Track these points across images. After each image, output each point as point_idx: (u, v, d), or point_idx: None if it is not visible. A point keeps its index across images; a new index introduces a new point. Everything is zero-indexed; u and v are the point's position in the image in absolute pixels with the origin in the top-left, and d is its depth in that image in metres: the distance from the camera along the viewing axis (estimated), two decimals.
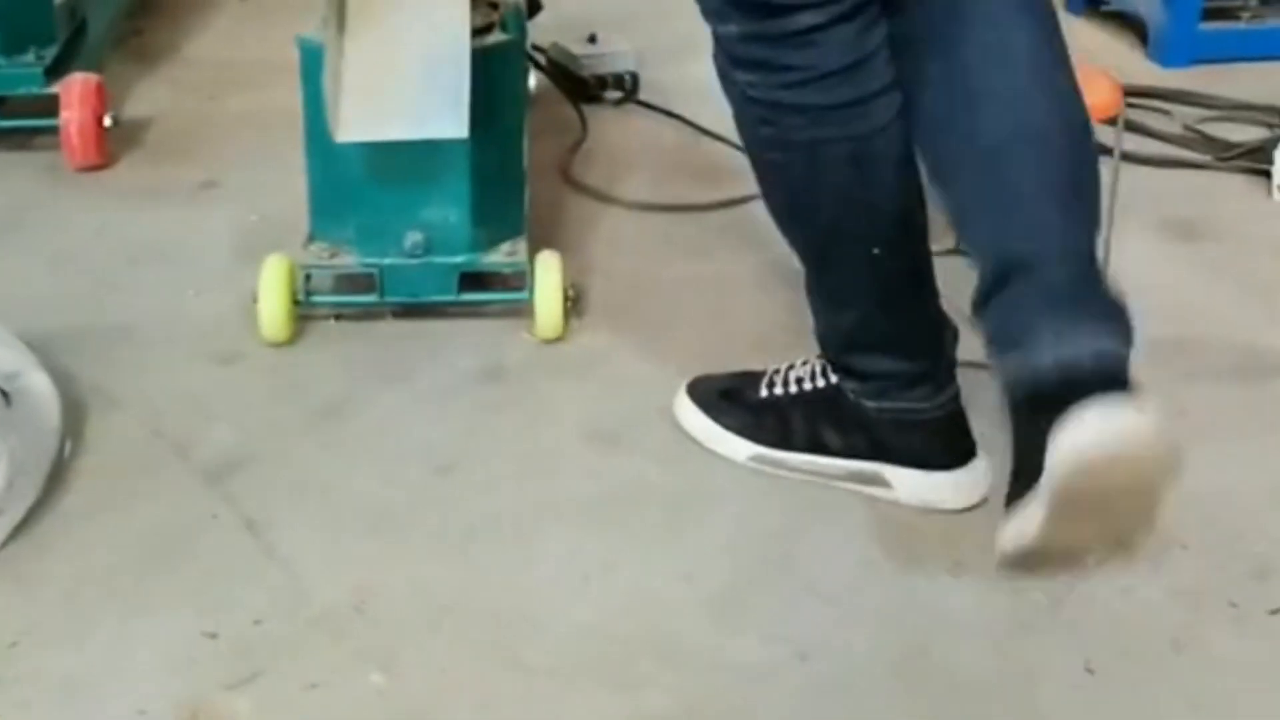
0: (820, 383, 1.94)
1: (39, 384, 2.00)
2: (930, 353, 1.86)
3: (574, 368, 2.24)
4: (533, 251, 2.32)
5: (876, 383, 1.86)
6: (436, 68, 2.03)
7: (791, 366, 2.00)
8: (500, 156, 2.24)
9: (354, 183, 2.19)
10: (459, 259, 2.25)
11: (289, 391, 2.17)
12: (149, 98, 3.20)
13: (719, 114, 3.09)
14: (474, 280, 2.29)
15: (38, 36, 2.88)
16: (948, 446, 1.89)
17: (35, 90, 2.84)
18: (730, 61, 1.70)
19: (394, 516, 1.91)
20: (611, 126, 3.11)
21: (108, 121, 2.86)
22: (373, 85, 2.03)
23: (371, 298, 2.27)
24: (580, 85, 3.19)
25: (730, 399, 2.01)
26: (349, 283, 2.30)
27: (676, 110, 3.15)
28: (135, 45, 3.44)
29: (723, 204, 2.73)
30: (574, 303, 2.30)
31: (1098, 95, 2.18)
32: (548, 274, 2.25)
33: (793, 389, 1.96)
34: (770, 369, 2.02)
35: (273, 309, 2.22)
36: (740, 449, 1.97)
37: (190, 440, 2.05)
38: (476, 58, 2.08)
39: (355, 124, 2.02)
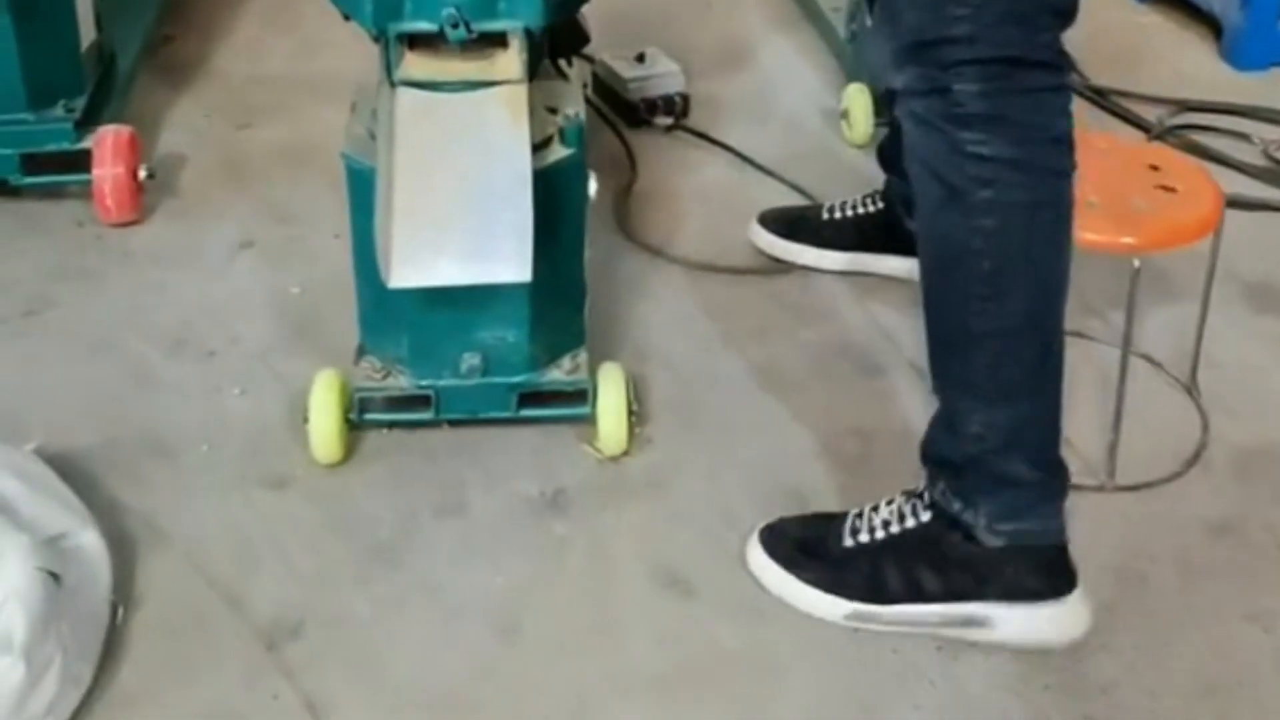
0: (910, 524, 1.87)
1: (89, 544, 1.91)
2: (1061, 461, 1.84)
3: (639, 492, 2.14)
4: (593, 355, 2.22)
5: (1017, 494, 1.80)
6: (496, 204, 1.91)
7: (875, 509, 1.92)
8: (560, 273, 2.12)
9: (406, 303, 2.07)
10: (517, 379, 2.15)
11: (341, 526, 2.08)
12: (181, 126, 3.08)
13: (770, 137, 3.03)
14: (533, 395, 2.18)
15: (66, 87, 2.75)
16: (1056, 573, 1.83)
17: (66, 146, 2.72)
18: (958, 121, 1.69)
19: (458, 696, 1.83)
20: (661, 160, 2.98)
21: (142, 174, 2.75)
22: (426, 222, 1.91)
23: (426, 415, 2.17)
24: (629, 110, 3.06)
25: (810, 553, 1.92)
26: (403, 400, 2.19)
27: (726, 138, 3.03)
28: (165, 56, 3.30)
29: (782, 269, 2.62)
30: (637, 415, 2.19)
31: (1202, 208, 2.05)
32: (611, 391, 2.15)
33: (879, 535, 1.89)
34: (850, 514, 1.94)
35: (324, 431, 2.13)
36: (834, 608, 1.88)
37: (244, 593, 1.97)
38: (536, 177, 1.95)
39: (408, 268, 1.90)
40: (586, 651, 1.89)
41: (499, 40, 1.97)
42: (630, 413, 2.16)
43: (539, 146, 2.03)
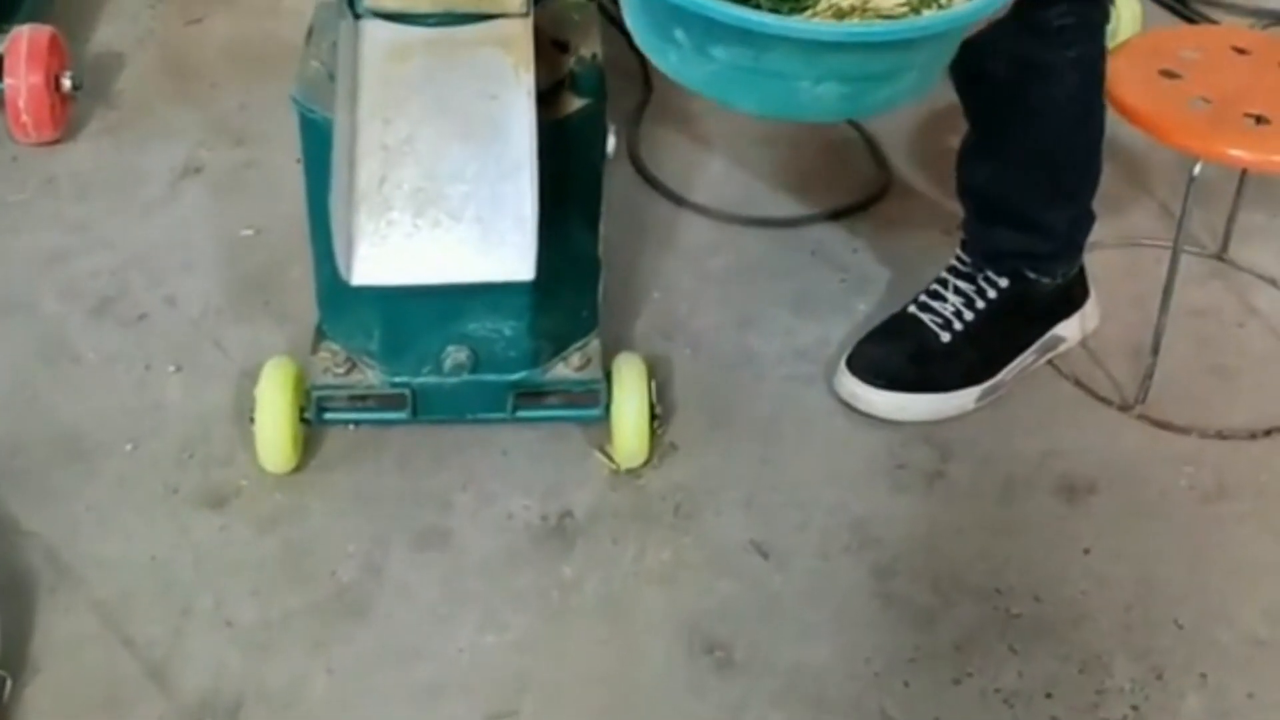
0: (993, 294, 1.94)
1: None
2: None
3: (663, 520, 1.74)
4: (604, 335, 1.81)
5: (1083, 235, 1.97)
6: (490, 181, 1.48)
7: (936, 296, 1.94)
8: (570, 249, 1.70)
9: (375, 288, 1.63)
10: (514, 376, 1.73)
11: (294, 563, 1.68)
12: (120, 18, 2.63)
13: None
14: (535, 394, 1.77)
15: None
16: (1084, 279, 2.01)
17: None
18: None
19: None
20: None
21: (66, 84, 2.30)
22: (398, 201, 1.48)
23: (401, 415, 1.76)
24: None
25: (919, 361, 1.89)
26: (372, 398, 1.78)
27: None
28: None
29: (810, 219, 2.23)
30: (660, 420, 1.78)
31: None
32: (629, 390, 1.74)
33: (969, 316, 1.92)
34: (918, 315, 1.93)
35: (274, 437, 1.72)
36: (968, 398, 1.90)
37: (168, 658, 1.57)
38: (543, 133, 1.52)
39: (373, 262, 1.47)
40: None
41: None
42: (653, 417, 1.75)
43: (546, 93, 1.59)
